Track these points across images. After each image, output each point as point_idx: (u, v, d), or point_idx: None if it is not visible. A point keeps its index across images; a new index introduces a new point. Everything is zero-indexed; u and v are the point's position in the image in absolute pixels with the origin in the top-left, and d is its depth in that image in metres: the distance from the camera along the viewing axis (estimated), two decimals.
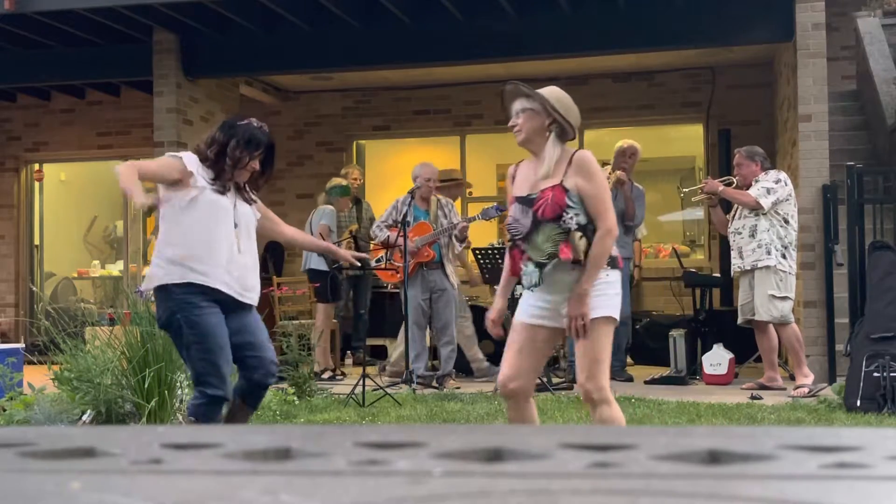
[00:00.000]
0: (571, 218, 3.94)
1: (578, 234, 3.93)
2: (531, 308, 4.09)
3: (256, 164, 4.60)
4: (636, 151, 8.51)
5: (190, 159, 4.54)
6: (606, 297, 3.96)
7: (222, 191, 4.52)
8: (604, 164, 8.48)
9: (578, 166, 3.99)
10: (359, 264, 5.56)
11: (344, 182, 9.31)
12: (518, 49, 9.67)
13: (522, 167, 4.21)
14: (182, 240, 4.49)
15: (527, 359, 4.03)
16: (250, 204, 4.69)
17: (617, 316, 3.99)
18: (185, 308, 4.41)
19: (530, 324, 4.06)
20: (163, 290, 4.48)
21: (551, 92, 4.15)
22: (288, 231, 5.08)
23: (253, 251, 4.65)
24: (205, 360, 4.41)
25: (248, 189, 4.70)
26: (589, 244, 3.92)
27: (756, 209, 7.38)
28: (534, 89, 4.16)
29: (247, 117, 4.73)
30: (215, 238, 4.48)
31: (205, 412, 4.44)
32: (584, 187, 3.95)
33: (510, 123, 4.17)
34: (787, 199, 7.45)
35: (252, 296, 4.61)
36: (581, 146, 11.72)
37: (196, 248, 4.46)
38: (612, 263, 4.01)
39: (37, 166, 12.73)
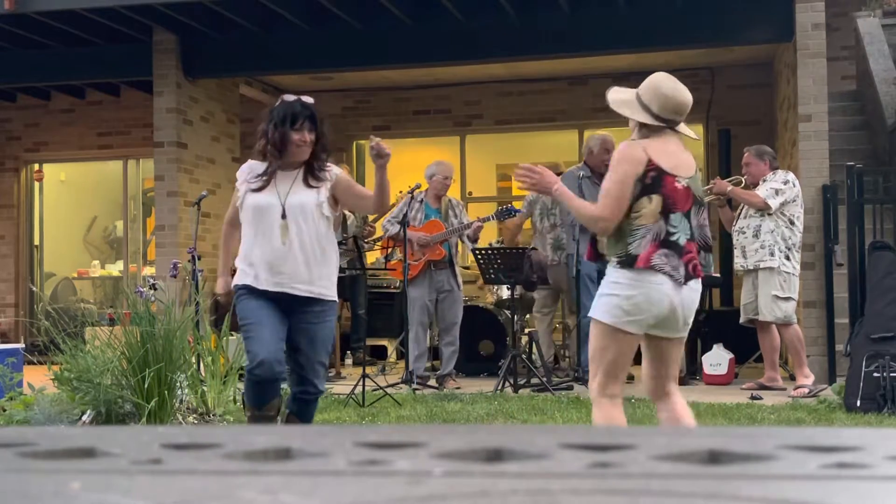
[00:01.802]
0: None
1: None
2: None
3: (304, 137, 4.43)
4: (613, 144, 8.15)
5: (242, 170, 4.60)
6: (598, 297, 3.87)
7: (265, 185, 4.46)
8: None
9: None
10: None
11: None
12: (518, 49, 9.67)
13: None
14: (240, 245, 4.60)
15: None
16: (315, 187, 4.49)
17: (597, 317, 3.82)
18: (238, 301, 4.54)
19: None
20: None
21: (648, 81, 3.96)
22: (373, 195, 4.65)
23: (308, 239, 4.45)
24: (245, 339, 4.50)
25: (316, 169, 4.52)
26: (615, 242, 3.82)
27: (764, 210, 7.38)
28: (629, 89, 3.98)
29: (282, 97, 4.61)
30: (258, 237, 4.48)
31: (246, 386, 4.61)
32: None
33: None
34: (795, 201, 7.45)
35: (310, 288, 4.46)
36: (581, 146, 11.74)
37: (246, 251, 4.52)
38: (624, 262, 3.80)
39: (37, 166, 12.73)
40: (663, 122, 3.88)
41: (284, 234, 4.42)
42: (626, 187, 3.77)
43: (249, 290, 4.47)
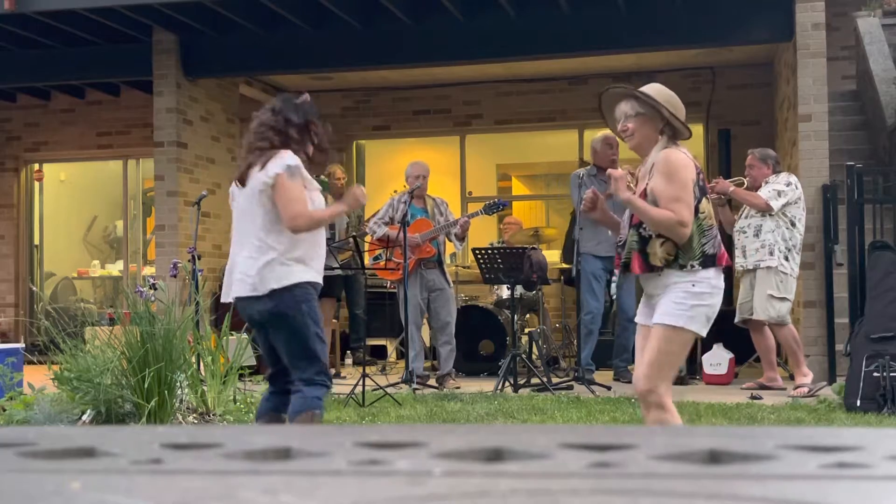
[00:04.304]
0: (647, 226, 3.83)
1: (660, 240, 3.80)
2: (641, 306, 4.02)
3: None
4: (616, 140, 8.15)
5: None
6: (682, 306, 3.74)
7: None
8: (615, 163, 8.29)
9: (657, 167, 3.85)
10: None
11: (321, 177, 8.94)
12: (518, 49, 9.67)
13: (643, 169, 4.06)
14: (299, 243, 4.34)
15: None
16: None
17: (689, 327, 3.74)
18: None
19: (641, 323, 3.98)
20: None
21: (659, 92, 3.94)
22: None
23: (246, 237, 4.26)
24: (321, 346, 4.38)
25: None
26: (672, 248, 3.76)
27: (765, 211, 7.39)
28: (643, 91, 3.93)
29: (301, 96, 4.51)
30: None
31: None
32: (658, 188, 3.80)
33: (620, 128, 3.96)
34: (797, 203, 7.46)
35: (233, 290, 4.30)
36: (581, 146, 11.76)
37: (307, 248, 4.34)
38: (705, 262, 3.76)
39: (37, 166, 12.73)
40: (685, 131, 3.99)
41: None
42: (691, 191, 3.82)
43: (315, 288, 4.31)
